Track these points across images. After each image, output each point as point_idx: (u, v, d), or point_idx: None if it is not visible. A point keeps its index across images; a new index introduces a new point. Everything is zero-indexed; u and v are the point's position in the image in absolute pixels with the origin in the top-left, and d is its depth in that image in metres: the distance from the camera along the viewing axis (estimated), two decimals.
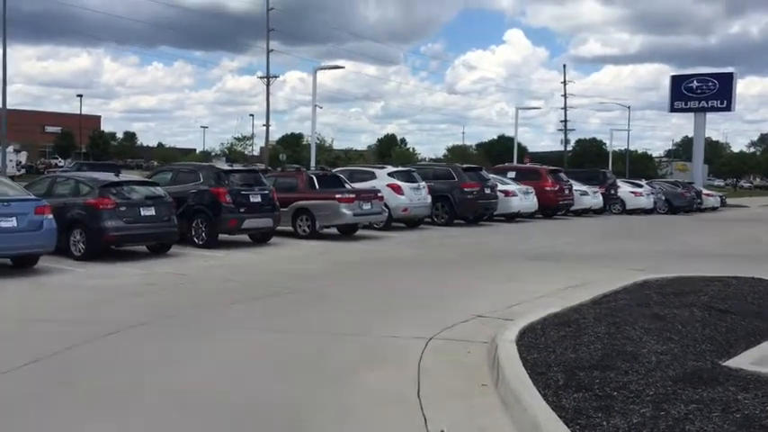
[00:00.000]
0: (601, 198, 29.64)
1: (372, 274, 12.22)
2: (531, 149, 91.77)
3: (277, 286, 10.52)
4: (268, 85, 56.33)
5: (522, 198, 24.36)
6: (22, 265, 11.73)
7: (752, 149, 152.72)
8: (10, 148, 47.23)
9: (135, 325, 7.80)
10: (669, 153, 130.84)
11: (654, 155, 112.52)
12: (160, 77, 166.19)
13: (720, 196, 43.70)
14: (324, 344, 7.21)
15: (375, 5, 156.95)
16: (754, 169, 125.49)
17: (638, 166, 78.51)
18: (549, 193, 25.94)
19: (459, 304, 9.29)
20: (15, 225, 11.02)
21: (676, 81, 51.31)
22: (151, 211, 13.47)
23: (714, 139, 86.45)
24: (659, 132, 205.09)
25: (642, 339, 6.64)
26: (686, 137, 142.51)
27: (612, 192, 31.21)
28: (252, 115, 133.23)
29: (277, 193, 16.53)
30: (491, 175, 24.04)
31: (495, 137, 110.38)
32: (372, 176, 20.74)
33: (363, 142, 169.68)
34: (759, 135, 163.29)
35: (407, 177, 20.85)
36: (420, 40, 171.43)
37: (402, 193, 20.08)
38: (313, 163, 27.39)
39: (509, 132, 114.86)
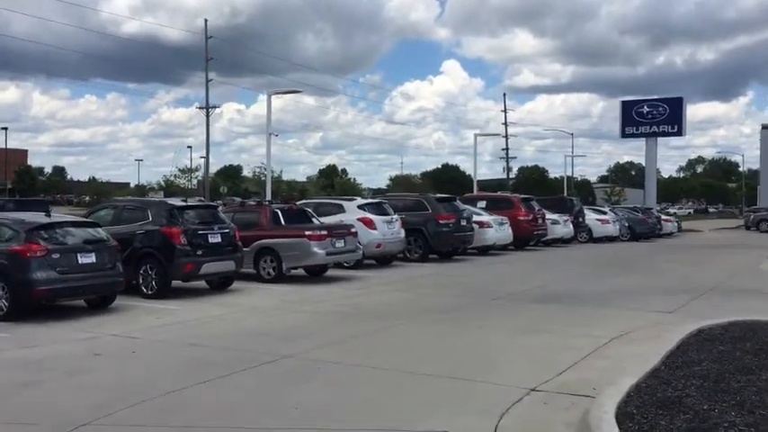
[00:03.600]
0: (571, 227, 28.34)
1: (363, 329, 10.14)
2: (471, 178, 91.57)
3: (253, 352, 8.36)
4: (207, 115, 53.76)
5: (497, 229, 22.73)
6: None
7: (681, 174, 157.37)
8: None
9: (73, 427, 5.54)
10: (604, 179, 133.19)
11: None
12: (92, 110, 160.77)
13: (677, 222, 43.29)
14: None
15: (314, 37, 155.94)
16: (687, 194, 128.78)
17: (580, 192, 78.74)
18: (524, 223, 24.40)
19: (494, 372, 7.36)
20: None
21: (627, 106, 51.10)
22: (91, 258, 11.11)
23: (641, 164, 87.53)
24: (590, 159, 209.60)
25: None
26: (617, 163, 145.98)
27: (581, 219, 29.99)
28: (190, 147, 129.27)
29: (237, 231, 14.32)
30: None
31: (436, 166, 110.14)
32: (340, 209, 18.73)
33: (302, 173, 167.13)
34: (687, 160, 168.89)
35: (379, 210, 18.91)
36: (359, 70, 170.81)
37: (375, 228, 18.12)
38: (269, 195, 25.16)
39: (447, 161, 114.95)
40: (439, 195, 22.29)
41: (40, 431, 5.49)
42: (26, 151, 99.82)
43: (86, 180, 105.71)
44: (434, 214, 20.26)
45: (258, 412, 6.08)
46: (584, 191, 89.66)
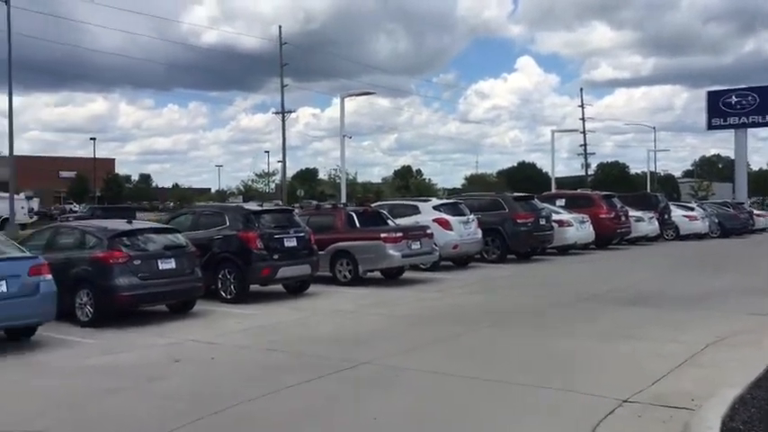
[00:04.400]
0: (657, 224, 27.18)
1: (441, 333, 9.86)
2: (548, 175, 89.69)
3: (331, 358, 8.21)
4: (283, 120, 54.68)
5: (578, 228, 21.97)
6: (16, 337, 9.53)
7: None
8: (22, 195, 45.60)
9: None
10: (689, 173, 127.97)
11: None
12: (175, 119, 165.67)
13: None
14: None
15: (387, 38, 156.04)
16: None
17: (664, 187, 75.85)
18: (606, 221, 23.52)
19: (581, 380, 6.95)
20: (5, 290, 8.82)
21: (713, 97, 48.84)
22: (171, 264, 11.24)
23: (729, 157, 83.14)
24: (673, 153, 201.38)
25: None
26: (703, 156, 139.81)
27: (666, 216, 28.74)
28: (267, 152, 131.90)
29: (312, 235, 14.29)
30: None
31: (512, 164, 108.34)
32: (416, 211, 18.47)
33: (377, 175, 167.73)
34: None
35: (455, 210, 18.55)
36: (432, 70, 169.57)
37: (451, 229, 17.78)
38: (344, 198, 25.17)
39: (523, 159, 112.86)
40: (516, 194, 21.73)
41: None
42: (114, 160, 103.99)
43: (170, 186, 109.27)
44: (512, 213, 19.75)
45: (338, 422, 5.90)
46: (667, 186, 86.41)
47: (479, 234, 18.59)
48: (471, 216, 18.61)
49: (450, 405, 6.38)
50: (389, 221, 16.44)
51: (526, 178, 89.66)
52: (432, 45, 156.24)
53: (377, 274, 15.99)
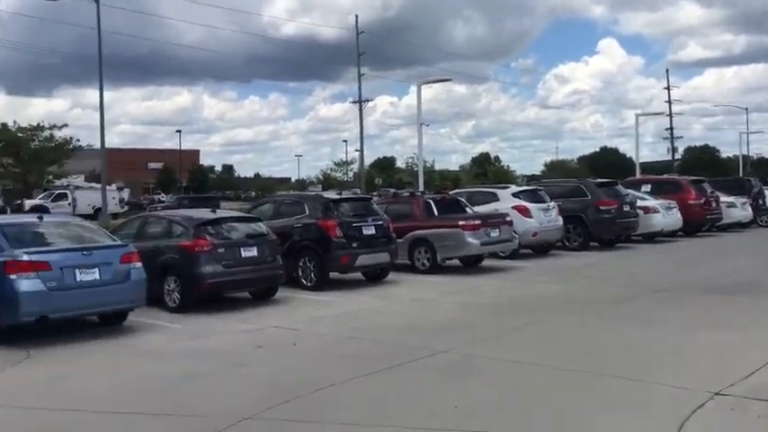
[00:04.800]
0: (750, 210, 25.90)
1: (521, 322, 9.72)
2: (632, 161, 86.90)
3: (409, 346, 8.21)
4: (361, 109, 54.99)
5: (665, 214, 21.18)
6: (110, 322, 9.97)
7: None
8: (113, 186, 47.65)
9: (233, 422, 5.63)
10: None
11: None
12: (256, 110, 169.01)
13: None
14: None
15: (464, 24, 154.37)
16: None
17: (758, 171, 72.20)
18: (695, 207, 22.56)
19: (669, 372, 6.71)
20: (99, 277, 9.23)
21: None
22: (253, 252, 11.51)
23: None
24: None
25: None
26: None
27: (761, 201, 27.34)
28: (345, 141, 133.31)
29: (391, 223, 14.33)
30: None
31: (593, 150, 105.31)
32: (494, 198, 18.25)
33: (455, 162, 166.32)
34: None
35: (535, 197, 18.22)
36: (510, 55, 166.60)
37: (530, 216, 17.47)
38: (421, 186, 25.13)
39: (605, 144, 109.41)
40: (599, 180, 21.14)
41: (206, 422, 5.63)
42: (198, 151, 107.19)
43: (252, 176, 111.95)
44: (594, 200, 19.22)
45: (417, 410, 5.90)
46: (762, 170, 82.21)
47: (560, 221, 18.20)
48: (552, 203, 18.23)
49: (531, 394, 6.28)
50: (468, 209, 16.31)
51: (609, 164, 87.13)
52: (510, 29, 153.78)
53: (455, 262, 15.90)
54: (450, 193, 19.04)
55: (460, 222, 15.07)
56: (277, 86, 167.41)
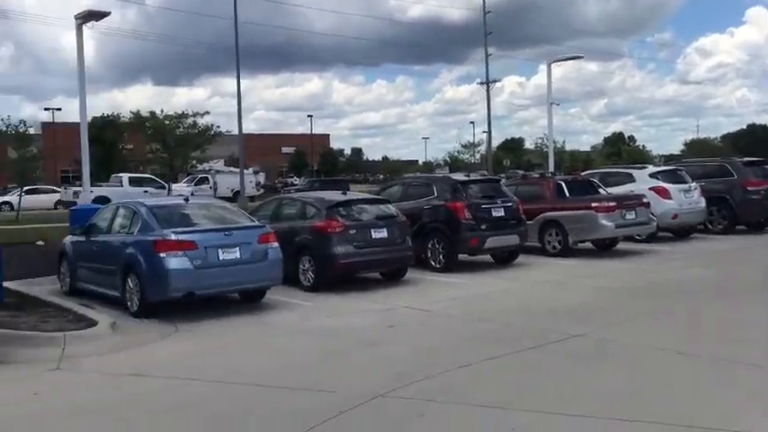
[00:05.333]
0: None
1: (657, 307, 9.29)
2: None
3: (540, 329, 8.08)
4: (488, 90, 54.31)
5: None
6: (251, 298, 10.48)
7: None
8: (250, 170, 49.88)
9: (367, 398, 5.77)
10: None
11: None
12: (383, 94, 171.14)
13: None
14: None
15: (595, 0, 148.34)
16: None
17: None
18: None
19: None
20: (239, 256, 9.72)
21: None
22: (383, 233, 11.70)
23: None
24: None
25: None
26: None
27: None
28: (472, 123, 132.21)
29: (520, 204, 14.09)
30: None
31: (739, 127, 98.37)
32: (630, 179, 17.47)
33: (585, 142, 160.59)
34: None
35: (674, 178, 17.27)
36: (646, 30, 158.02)
37: (669, 197, 16.59)
38: (551, 167, 24.51)
39: (753, 120, 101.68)
40: (747, 159, 19.71)
41: (341, 398, 5.81)
42: (328, 135, 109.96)
43: (380, 159, 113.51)
44: (741, 180, 17.95)
45: (549, 394, 5.81)
46: None
47: (702, 203, 17.18)
48: (693, 184, 17.23)
49: (666, 381, 6.02)
50: (601, 190, 15.73)
51: (757, 141, 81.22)
52: (645, 2, 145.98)
53: (588, 245, 15.42)
54: (582, 173, 18.42)
55: (593, 204, 14.57)
56: (404, 70, 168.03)
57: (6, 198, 41.29)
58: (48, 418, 5.68)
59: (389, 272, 12.27)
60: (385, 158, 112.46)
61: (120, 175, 37.59)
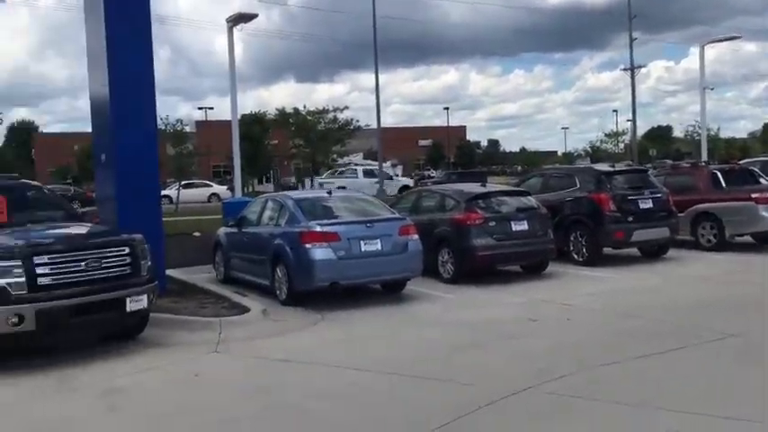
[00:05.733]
0: None
1: None
2: None
3: (693, 327, 7.65)
4: (633, 76, 51.80)
5: None
6: (392, 289, 10.66)
7: None
8: (388, 163, 50.66)
9: (504, 395, 5.71)
10: None
11: None
12: (521, 84, 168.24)
13: None
14: None
15: None
16: None
17: None
18: None
19: None
20: (380, 248, 9.91)
21: None
22: (523, 226, 11.51)
23: None
24: None
25: None
26: None
27: None
28: (615, 111, 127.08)
29: (670, 196, 13.38)
30: None
31: None
32: None
33: (743, 129, 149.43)
34: None
35: None
36: None
37: None
38: (704, 155, 23.05)
39: None
40: None
41: (482, 391, 5.79)
42: (465, 127, 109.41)
43: (517, 151, 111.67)
44: None
45: (703, 396, 5.49)
46: None
47: None
48: None
49: None
50: (762, 180, 14.62)
51: None
52: None
53: (747, 238, 14.39)
54: (740, 162, 17.19)
55: (754, 195, 13.59)
56: (542, 58, 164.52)
57: (166, 192, 44.52)
58: (211, 399, 6.06)
59: (530, 265, 12.06)
60: (522, 150, 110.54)
61: (355, 166, 42.80)
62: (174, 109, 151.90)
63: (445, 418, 5.18)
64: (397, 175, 54.93)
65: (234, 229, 11.81)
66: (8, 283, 6.73)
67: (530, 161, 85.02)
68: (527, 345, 7.42)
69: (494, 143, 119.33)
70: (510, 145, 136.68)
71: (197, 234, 18.02)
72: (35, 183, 10.59)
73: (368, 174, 39.86)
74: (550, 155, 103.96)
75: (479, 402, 5.48)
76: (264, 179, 56.56)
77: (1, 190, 8.43)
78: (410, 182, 43.39)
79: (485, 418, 5.26)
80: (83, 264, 7.17)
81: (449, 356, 7.10)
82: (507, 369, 6.49)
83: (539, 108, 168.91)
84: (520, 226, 11.47)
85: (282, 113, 50.71)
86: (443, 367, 6.66)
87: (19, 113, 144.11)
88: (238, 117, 17.85)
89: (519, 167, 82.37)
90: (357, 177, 38.61)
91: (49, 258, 7.00)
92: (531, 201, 12.16)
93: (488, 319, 8.82)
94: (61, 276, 7.02)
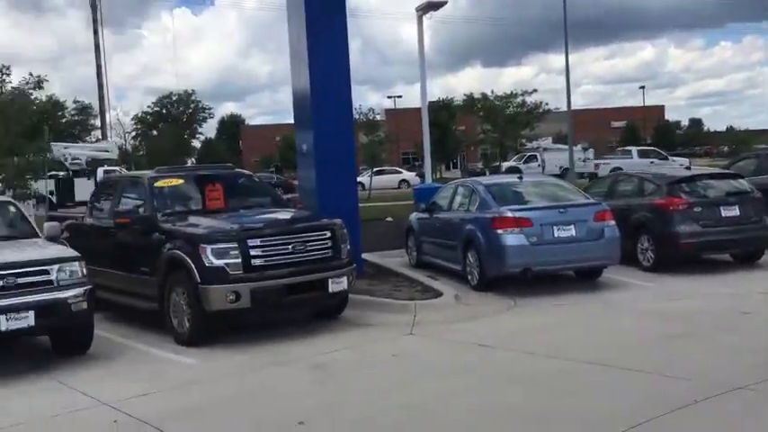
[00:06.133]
0: None
1: None
2: None
3: None
4: None
5: None
6: (586, 276, 10.33)
7: None
8: (578, 147, 48.89)
9: (726, 389, 5.31)
10: None
11: None
12: (727, 57, 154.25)
13: None
14: None
15: None
16: None
17: None
18: None
19: None
20: (574, 234, 9.64)
21: None
22: (734, 211, 10.63)
23: None
24: None
25: None
26: None
27: None
28: None
29: None
30: None
31: None
32: None
33: None
34: None
35: None
36: None
37: None
38: None
39: None
40: None
41: (693, 385, 5.44)
42: (663, 107, 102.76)
43: (723, 130, 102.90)
44: None
45: None
46: None
47: None
48: None
49: None
50: None
51: None
52: None
53: None
54: None
55: None
56: (753, 28, 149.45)
57: (359, 179, 46.46)
58: (411, 379, 6.25)
59: (742, 254, 11.10)
60: (730, 128, 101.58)
61: (629, 147, 44.56)
62: (364, 98, 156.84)
63: (655, 412, 4.93)
64: (589, 159, 52.90)
65: (425, 215, 12.03)
66: (226, 264, 7.39)
67: (739, 141, 77.90)
68: (739, 339, 6.87)
69: (696, 122, 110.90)
70: (715, 124, 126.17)
71: (389, 219, 18.62)
72: (246, 171, 11.47)
73: (642, 154, 40.65)
74: (763, 133, 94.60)
75: (695, 396, 5.16)
76: (451, 165, 56.98)
77: (218, 178, 9.25)
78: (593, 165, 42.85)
79: (700, 412, 4.94)
80: (290, 246, 7.70)
81: (652, 347, 6.75)
82: (719, 364, 6.06)
83: (749, 82, 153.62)
84: (730, 211, 10.60)
85: (470, 99, 50.66)
86: (647, 358, 6.34)
87: (228, 108, 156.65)
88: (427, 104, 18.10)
89: (726, 148, 75.81)
90: (632, 158, 39.21)
91: (261, 241, 7.60)
92: (744, 184, 11.18)
93: (694, 310, 8.27)
94: (272, 258, 7.59)
